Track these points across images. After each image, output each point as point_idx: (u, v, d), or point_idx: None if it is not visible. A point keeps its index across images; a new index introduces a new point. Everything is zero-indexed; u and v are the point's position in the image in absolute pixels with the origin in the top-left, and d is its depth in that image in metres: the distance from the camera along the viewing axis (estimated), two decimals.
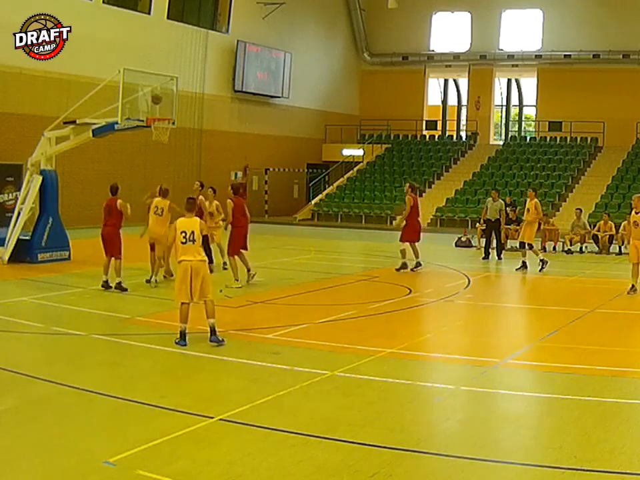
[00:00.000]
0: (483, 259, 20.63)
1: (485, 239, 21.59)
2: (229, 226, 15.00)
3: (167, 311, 12.42)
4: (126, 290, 13.94)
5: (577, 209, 24.02)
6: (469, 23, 39.06)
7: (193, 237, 9.81)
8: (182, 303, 9.85)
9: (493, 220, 20.67)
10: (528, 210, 18.24)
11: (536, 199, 18.39)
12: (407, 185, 18.74)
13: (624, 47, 35.30)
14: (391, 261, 19.68)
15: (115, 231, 14.23)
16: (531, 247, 18.29)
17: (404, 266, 17.60)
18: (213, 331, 9.82)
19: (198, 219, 10.16)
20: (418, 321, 12.97)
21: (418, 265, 17.72)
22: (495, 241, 21.07)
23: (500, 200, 21.13)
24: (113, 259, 14.13)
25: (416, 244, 17.93)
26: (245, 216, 14.92)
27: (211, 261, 15.96)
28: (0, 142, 23.93)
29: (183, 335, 9.80)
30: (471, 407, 7.96)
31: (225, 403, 7.48)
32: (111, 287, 14.03)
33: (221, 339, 9.83)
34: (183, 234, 9.80)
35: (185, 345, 9.74)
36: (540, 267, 17.93)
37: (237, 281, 14.59)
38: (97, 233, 14.65)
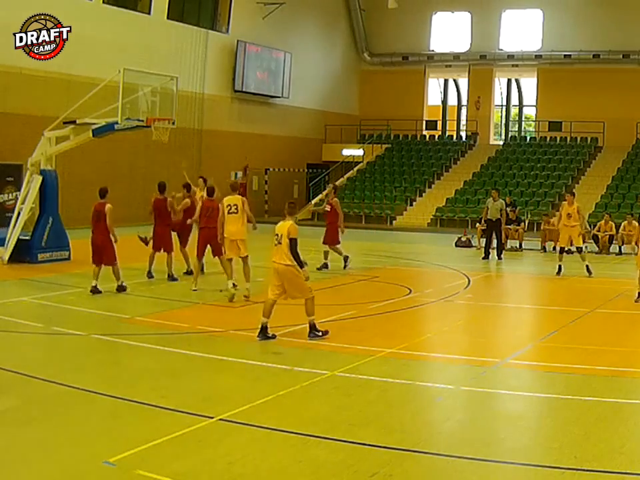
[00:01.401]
0: (483, 258, 20.60)
1: (485, 239, 21.56)
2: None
3: (166, 311, 12.45)
4: (125, 289, 13.87)
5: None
6: (469, 23, 39.04)
7: (280, 239, 10.11)
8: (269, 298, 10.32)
9: (493, 220, 20.63)
10: (569, 215, 17.48)
11: (576, 204, 17.86)
12: (331, 186, 18.59)
13: (624, 47, 35.29)
14: (391, 260, 19.70)
15: (105, 239, 13.65)
16: (581, 250, 17.84)
17: (346, 260, 17.52)
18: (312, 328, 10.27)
19: (290, 222, 10.31)
20: (418, 321, 12.97)
21: (325, 266, 17.46)
22: (495, 241, 21.05)
23: (500, 199, 21.11)
24: (105, 265, 13.73)
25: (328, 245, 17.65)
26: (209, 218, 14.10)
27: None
28: (0, 142, 23.92)
29: (262, 328, 10.17)
30: (471, 407, 7.96)
31: (225, 403, 7.48)
32: (100, 292, 13.61)
33: (320, 333, 10.30)
34: (276, 236, 10.21)
35: (265, 338, 10.03)
36: (588, 272, 17.27)
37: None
38: None
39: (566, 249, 22.48)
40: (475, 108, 39.52)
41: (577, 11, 36.02)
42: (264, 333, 10.16)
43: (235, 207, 13.44)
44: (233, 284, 13.59)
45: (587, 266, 17.37)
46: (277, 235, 10.17)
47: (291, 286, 10.21)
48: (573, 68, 36.67)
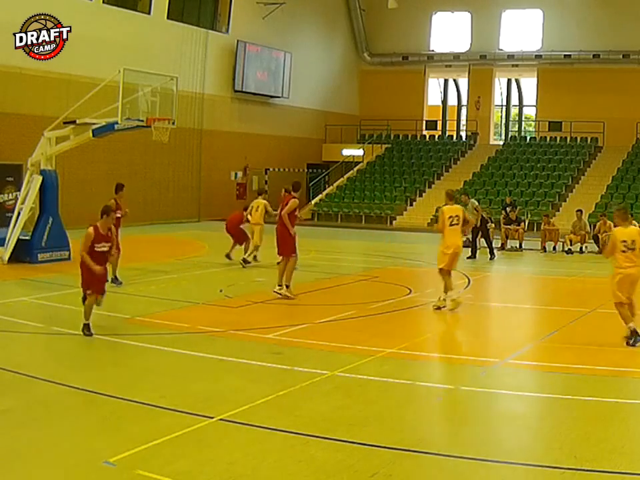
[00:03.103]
0: (468, 258, 20.43)
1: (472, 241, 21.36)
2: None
3: (166, 311, 12.44)
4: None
5: (577, 210, 23.87)
6: (469, 23, 39.04)
7: (634, 245, 9.99)
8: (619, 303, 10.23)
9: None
10: None
11: None
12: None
13: (624, 47, 35.28)
14: (391, 260, 19.69)
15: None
16: None
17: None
18: (634, 332, 10.04)
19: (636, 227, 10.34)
20: (418, 321, 12.96)
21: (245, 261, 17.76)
22: (485, 242, 21.07)
23: (471, 200, 21.26)
24: None
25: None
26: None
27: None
28: (0, 142, 23.92)
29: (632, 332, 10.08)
30: (471, 407, 7.95)
31: (225, 403, 7.48)
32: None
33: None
34: (624, 243, 9.99)
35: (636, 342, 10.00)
36: None
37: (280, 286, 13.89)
38: None
39: (566, 248, 22.61)
40: (475, 108, 39.52)
41: (577, 11, 36.01)
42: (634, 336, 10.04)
43: (457, 218, 12.64)
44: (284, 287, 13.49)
45: None
46: (626, 240, 9.93)
47: (635, 289, 10.15)
48: (572, 68, 36.66)
